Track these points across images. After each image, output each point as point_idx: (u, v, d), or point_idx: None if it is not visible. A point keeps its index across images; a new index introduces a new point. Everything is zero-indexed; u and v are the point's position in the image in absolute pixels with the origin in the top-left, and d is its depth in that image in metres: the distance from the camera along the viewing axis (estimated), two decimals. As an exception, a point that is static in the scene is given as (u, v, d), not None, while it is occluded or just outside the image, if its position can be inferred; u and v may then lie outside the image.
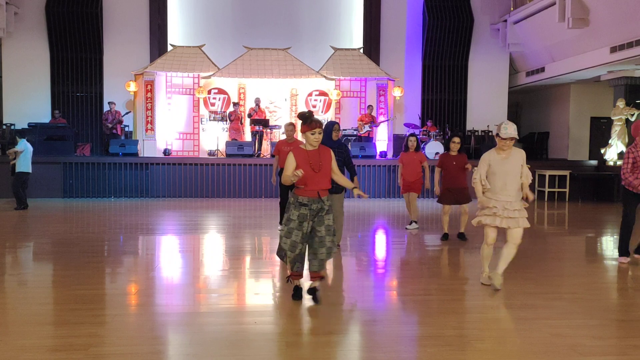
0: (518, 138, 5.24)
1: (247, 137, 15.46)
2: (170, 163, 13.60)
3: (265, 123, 14.98)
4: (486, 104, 17.93)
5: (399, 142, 16.05)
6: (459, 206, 8.10)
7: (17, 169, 11.07)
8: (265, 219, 10.13)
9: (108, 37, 16.73)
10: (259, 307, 4.81)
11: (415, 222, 8.92)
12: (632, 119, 14.38)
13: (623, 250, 6.63)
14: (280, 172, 8.34)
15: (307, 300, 4.88)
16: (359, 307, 4.79)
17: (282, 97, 16.07)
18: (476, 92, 17.97)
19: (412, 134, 9.10)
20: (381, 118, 16.12)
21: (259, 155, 14.56)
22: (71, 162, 13.18)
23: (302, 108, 15.95)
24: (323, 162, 4.66)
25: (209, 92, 15.85)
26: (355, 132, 15.36)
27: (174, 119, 15.82)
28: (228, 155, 14.19)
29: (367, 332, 4.22)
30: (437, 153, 14.66)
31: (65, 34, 16.19)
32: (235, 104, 15.43)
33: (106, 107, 15.88)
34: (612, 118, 14.98)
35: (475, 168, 5.41)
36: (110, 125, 15.11)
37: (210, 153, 15.31)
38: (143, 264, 6.61)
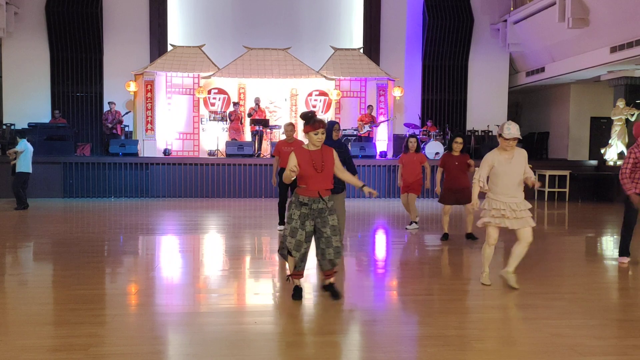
0: (521, 138, 5.25)
1: (247, 137, 15.46)
2: (170, 163, 13.60)
3: (265, 123, 14.98)
4: (486, 104, 17.94)
5: (399, 142, 16.06)
6: (461, 207, 8.10)
7: (18, 169, 11.07)
8: (265, 219, 10.13)
9: (108, 37, 16.73)
10: (259, 307, 4.81)
11: (416, 222, 8.91)
12: (632, 119, 14.38)
13: (623, 250, 6.63)
14: (280, 173, 8.35)
15: (307, 300, 4.89)
16: (359, 307, 4.79)
17: (282, 97, 16.07)
18: (476, 92, 17.97)
19: (413, 135, 9.09)
20: (381, 118, 16.12)
21: (258, 155, 14.56)
22: (71, 162, 13.18)
23: (302, 108, 15.95)
24: (325, 162, 4.68)
25: (209, 92, 15.85)
26: (355, 132, 15.36)
27: (174, 119, 15.82)
28: (228, 155, 14.19)
29: (367, 332, 4.22)
30: (437, 153, 14.66)
31: (65, 34, 16.19)
32: (235, 104, 15.43)
33: (106, 107, 15.88)
34: (612, 118, 14.98)
35: (477, 168, 5.42)
36: (110, 125, 15.11)
37: (210, 153, 15.31)
38: (143, 264, 6.61)
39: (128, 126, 16.22)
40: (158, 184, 13.47)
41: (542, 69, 17.07)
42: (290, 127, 8.39)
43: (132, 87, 15.38)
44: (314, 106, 16.09)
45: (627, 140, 14.66)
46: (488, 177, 5.32)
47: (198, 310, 4.70)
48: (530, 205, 5.27)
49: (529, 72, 17.97)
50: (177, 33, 17.37)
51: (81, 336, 3.94)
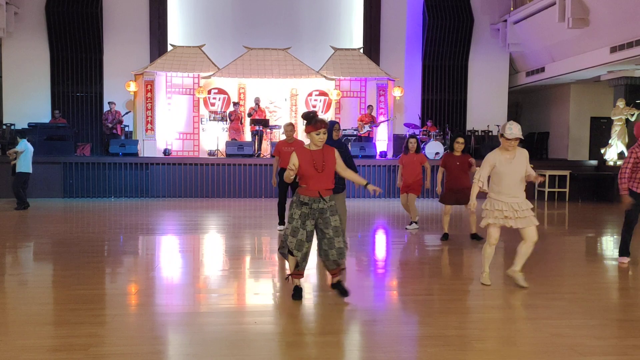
0: (523, 138, 5.25)
1: (247, 137, 15.46)
2: (170, 163, 13.60)
3: (265, 123, 14.98)
4: (486, 104, 17.93)
5: (399, 142, 16.05)
6: (463, 207, 8.09)
7: (18, 169, 11.07)
8: (265, 219, 10.13)
9: (108, 37, 16.73)
10: (259, 307, 4.81)
11: (416, 222, 8.91)
12: (632, 119, 14.38)
13: (623, 250, 6.62)
14: (280, 173, 8.35)
15: (307, 300, 4.89)
16: (359, 307, 4.78)
17: (282, 97, 16.07)
18: (476, 92, 17.97)
19: (412, 135, 9.09)
20: (381, 118, 16.11)
21: (258, 155, 14.55)
22: (71, 162, 13.18)
23: (302, 108, 15.95)
24: (326, 162, 4.68)
25: (209, 92, 15.85)
26: (355, 132, 15.36)
27: (174, 119, 15.82)
28: (228, 155, 14.19)
29: (367, 332, 4.22)
30: (437, 153, 14.66)
31: (65, 34, 16.19)
32: (235, 104, 15.43)
33: (106, 107, 15.88)
34: (612, 118, 14.98)
35: (478, 168, 5.42)
36: (110, 125, 15.11)
37: (210, 153, 15.31)
38: (143, 264, 6.61)
39: (128, 126, 16.22)
40: (158, 184, 13.47)
41: (542, 69, 17.07)
42: (290, 127, 8.38)
43: (132, 87, 15.38)
44: (314, 106, 16.08)
45: (627, 140, 14.66)
46: (489, 178, 5.32)
47: (198, 310, 4.70)
48: (531, 205, 5.28)
49: (529, 72, 17.97)
50: (177, 33, 17.37)
51: (81, 336, 3.94)
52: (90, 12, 16.06)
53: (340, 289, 4.89)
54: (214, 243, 8.21)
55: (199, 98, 15.72)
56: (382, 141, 15.98)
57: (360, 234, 8.84)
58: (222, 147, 15.10)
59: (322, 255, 4.77)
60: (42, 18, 16.22)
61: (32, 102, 16.25)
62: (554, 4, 14.48)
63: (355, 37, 17.95)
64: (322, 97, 16.23)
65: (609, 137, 15.17)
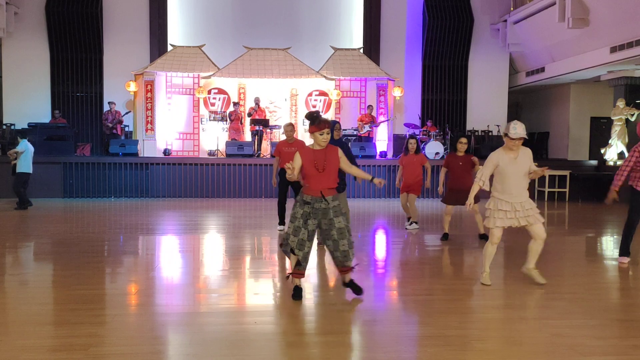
0: (527, 138, 5.25)
1: (247, 137, 15.46)
2: (170, 163, 13.60)
3: (265, 123, 14.98)
4: (486, 104, 17.94)
5: (399, 142, 16.06)
6: (463, 208, 8.06)
7: (18, 169, 11.07)
8: (265, 219, 10.12)
9: (108, 37, 16.73)
10: (259, 307, 4.81)
11: (416, 222, 8.91)
12: (632, 119, 14.39)
13: (624, 250, 6.61)
14: (280, 173, 8.35)
15: (307, 300, 4.88)
16: (359, 307, 4.78)
17: (282, 97, 16.07)
18: (476, 92, 17.97)
19: (412, 136, 9.08)
20: (381, 118, 16.11)
21: (258, 155, 14.55)
22: (71, 162, 13.18)
23: (302, 108, 15.95)
24: (328, 161, 4.69)
25: (209, 92, 15.85)
26: (355, 132, 15.36)
27: (174, 119, 15.82)
28: (228, 155, 14.19)
29: (367, 332, 4.22)
30: (437, 153, 14.66)
31: (65, 34, 16.19)
32: (235, 104, 15.43)
33: (106, 107, 15.89)
34: (612, 118, 14.98)
35: (480, 167, 5.42)
36: (110, 125, 15.11)
37: (210, 153, 15.31)
38: (143, 264, 6.61)
39: (128, 126, 16.22)
40: (158, 184, 13.47)
41: (542, 69, 17.08)
42: (290, 128, 8.36)
43: (132, 87, 15.38)
44: (314, 106, 16.09)
45: (627, 140, 14.67)
46: (492, 177, 5.33)
47: (198, 310, 4.70)
48: (534, 204, 5.28)
49: (529, 72, 17.98)
50: (177, 33, 17.37)
51: (81, 336, 3.93)
52: (90, 12, 16.07)
53: (353, 287, 4.93)
54: (214, 243, 8.21)
55: (199, 98, 15.72)
56: (382, 141, 15.98)
57: (360, 234, 8.84)
58: (222, 147, 15.10)
59: (330, 253, 4.85)
60: (42, 18, 16.22)
61: (32, 102, 16.26)
62: (554, 4, 14.49)
63: (355, 37, 17.96)
64: (322, 97, 16.23)
65: (609, 137, 15.18)
